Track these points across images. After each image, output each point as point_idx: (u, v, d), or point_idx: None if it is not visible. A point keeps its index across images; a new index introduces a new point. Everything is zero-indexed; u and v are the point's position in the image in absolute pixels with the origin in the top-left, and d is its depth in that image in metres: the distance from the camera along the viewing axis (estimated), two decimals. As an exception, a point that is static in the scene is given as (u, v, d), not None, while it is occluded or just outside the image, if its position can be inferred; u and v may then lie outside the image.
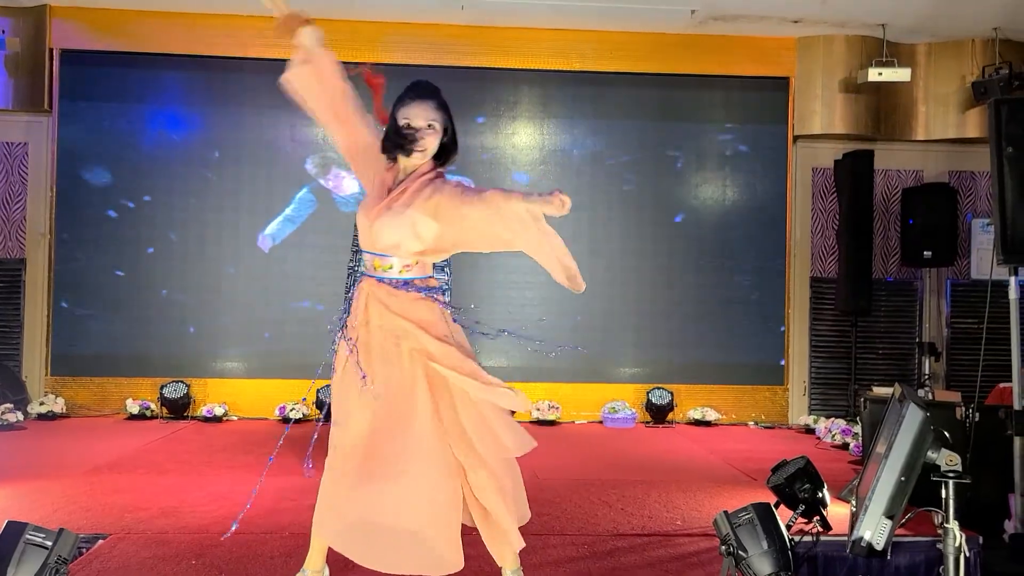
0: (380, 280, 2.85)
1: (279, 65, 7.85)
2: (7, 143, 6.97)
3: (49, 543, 2.63)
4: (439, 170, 2.90)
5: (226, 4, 6.73)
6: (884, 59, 6.84)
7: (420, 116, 2.80)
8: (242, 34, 6.90)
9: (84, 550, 3.36)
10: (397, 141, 2.79)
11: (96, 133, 6.95)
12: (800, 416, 7.09)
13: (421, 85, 2.86)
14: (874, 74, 6.71)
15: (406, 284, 2.85)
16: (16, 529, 2.65)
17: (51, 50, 6.84)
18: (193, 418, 6.67)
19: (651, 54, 7.14)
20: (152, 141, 6.99)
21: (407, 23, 6.90)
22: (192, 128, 7.04)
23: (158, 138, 7.00)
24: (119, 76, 6.97)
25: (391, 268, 2.86)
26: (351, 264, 4.77)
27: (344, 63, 2.87)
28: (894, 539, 3.68)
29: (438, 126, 2.83)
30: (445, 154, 2.94)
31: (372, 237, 2.84)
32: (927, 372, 7.14)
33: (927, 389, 6.84)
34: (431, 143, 2.82)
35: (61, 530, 2.68)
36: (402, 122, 2.80)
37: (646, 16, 6.79)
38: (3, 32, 6.45)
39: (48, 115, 6.91)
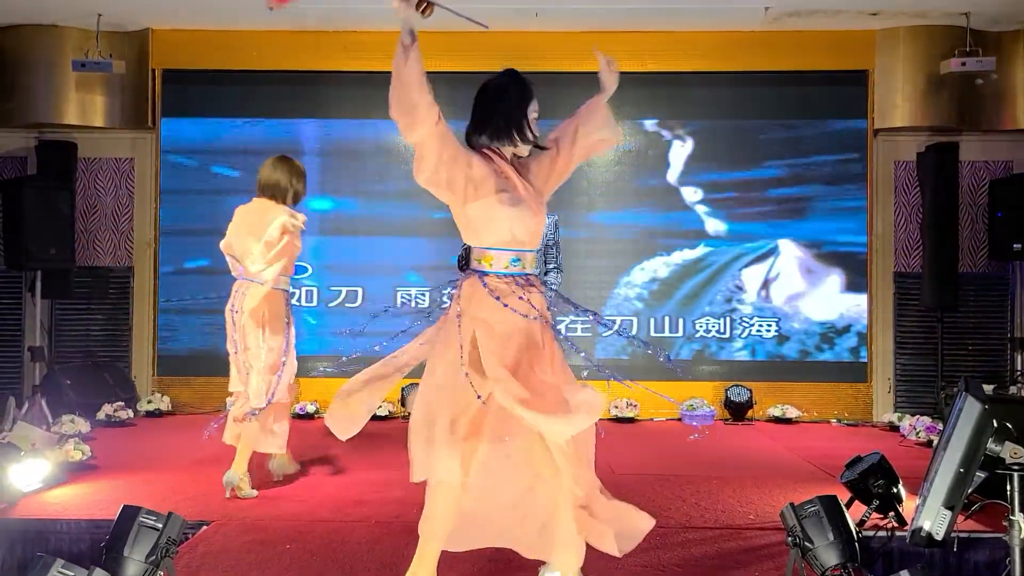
0: (531, 276, 2.86)
1: (363, 77, 8.17)
2: (115, 159, 7.48)
3: (160, 525, 2.90)
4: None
5: (312, 21, 7.07)
6: (968, 49, 6.68)
7: (535, 110, 2.93)
8: (327, 48, 7.25)
9: (190, 535, 3.66)
10: (532, 136, 2.89)
11: (195, 147, 7.39)
12: (885, 413, 6.97)
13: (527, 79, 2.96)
14: (957, 64, 6.56)
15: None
16: (131, 512, 2.93)
17: (153, 71, 7.32)
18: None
19: (725, 53, 7.14)
20: (245, 153, 7.38)
21: (481, 31, 7.07)
22: (283, 139, 7.39)
23: (251, 150, 7.38)
24: (215, 93, 7.40)
25: (534, 263, 2.90)
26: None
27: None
28: (973, 535, 3.68)
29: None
30: None
31: (533, 232, 2.84)
32: (1020, 368, 6.94)
33: (1020, 386, 6.66)
34: None
35: (170, 514, 2.94)
36: (532, 115, 2.90)
37: (719, 15, 6.81)
38: (110, 56, 6.93)
39: (152, 132, 7.39)
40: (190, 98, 7.39)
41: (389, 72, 8.45)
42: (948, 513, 2.34)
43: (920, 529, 2.35)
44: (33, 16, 6.92)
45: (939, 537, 2.34)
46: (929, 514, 2.35)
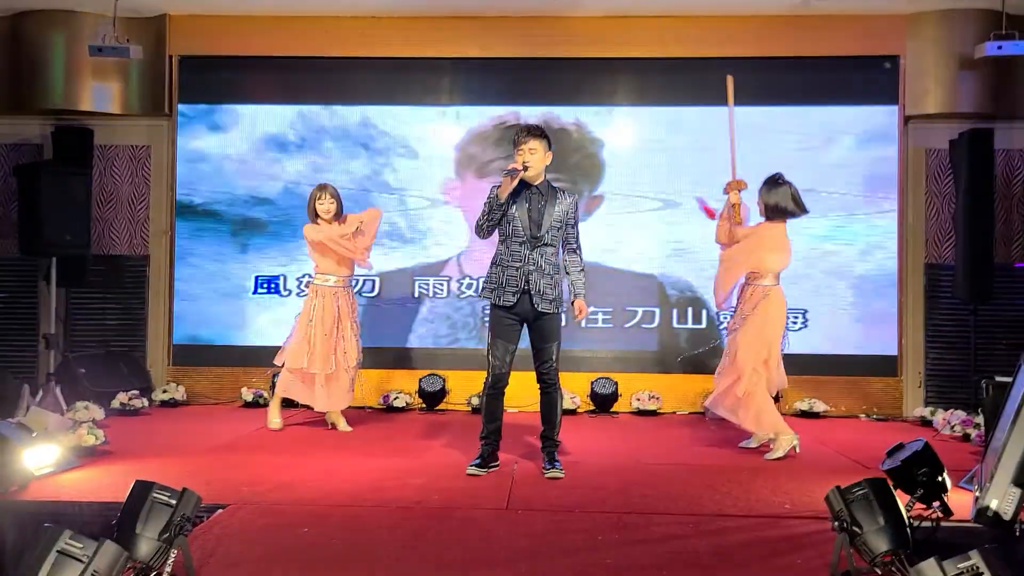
0: None
1: (378, 62, 8.02)
2: (132, 147, 7.38)
3: (174, 501, 2.77)
4: None
5: (328, 6, 6.96)
6: (1004, 32, 6.48)
7: None
8: (344, 34, 7.12)
9: (205, 517, 3.53)
10: None
11: (212, 134, 7.28)
12: (916, 408, 6.78)
13: None
14: (993, 48, 6.36)
15: None
16: (144, 488, 2.81)
17: (170, 57, 7.22)
18: (303, 405, 6.88)
19: (753, 37, 6.96)
20: (263, 140, 7.28)
21: (505, 16, 6.95)
22: (300, 125, 7.27)
23: (269, 136, 7.28)
24: (232, 79, 7.29)
25: None
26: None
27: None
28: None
29: None
30: None
31: None
32: (1056, 363, 6.72)
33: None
34: None
35: (184, 489, 2.82)
36: None
37: (747, -2, 6.66)
38: (127, 41, 6.82)
39: (168, 119, 7.28)
40: (207, 85, 7.28)
41: (406, 58, 8.35)
42: (1018, 491, 2.18)
43: (987, 508, 2.19)
44: (50, 1, 6.85)
45: (1007, 517, 2.17)
46: (997, 492, 2.19)
